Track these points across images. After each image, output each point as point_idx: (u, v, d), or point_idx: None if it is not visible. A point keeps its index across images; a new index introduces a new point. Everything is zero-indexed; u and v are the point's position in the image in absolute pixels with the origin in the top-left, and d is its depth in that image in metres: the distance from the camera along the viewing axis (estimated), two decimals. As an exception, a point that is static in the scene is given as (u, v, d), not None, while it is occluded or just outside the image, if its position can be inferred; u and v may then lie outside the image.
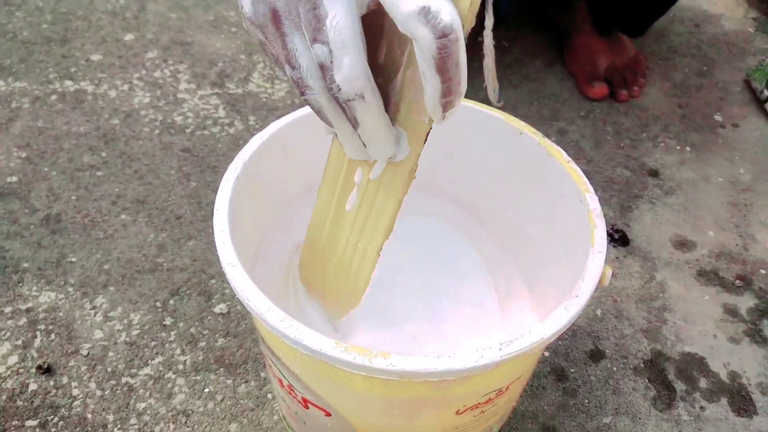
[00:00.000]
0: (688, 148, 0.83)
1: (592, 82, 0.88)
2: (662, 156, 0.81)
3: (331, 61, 0.29)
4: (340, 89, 0.29)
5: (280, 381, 0.43)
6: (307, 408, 0.43)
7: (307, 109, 0.47)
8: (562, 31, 0.96)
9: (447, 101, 0.29)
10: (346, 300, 0.44)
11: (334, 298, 0.45)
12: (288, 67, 0.31)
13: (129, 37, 0.92)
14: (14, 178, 0.72)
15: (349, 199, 0.39)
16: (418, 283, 0.55)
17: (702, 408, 0.57)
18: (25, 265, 0.64)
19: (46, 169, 0.73)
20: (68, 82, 0.84)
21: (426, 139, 0.33)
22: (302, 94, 0.31)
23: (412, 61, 0.31)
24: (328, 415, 0.41)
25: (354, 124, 0.31)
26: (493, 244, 0.55)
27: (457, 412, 0.40)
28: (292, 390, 0.42)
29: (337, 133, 0.33)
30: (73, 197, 0.70)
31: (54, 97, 0.82)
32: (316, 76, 0.30)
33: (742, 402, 0.57)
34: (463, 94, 0.29)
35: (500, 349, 0.34)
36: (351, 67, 0.28)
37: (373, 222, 0.38)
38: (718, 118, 0.88)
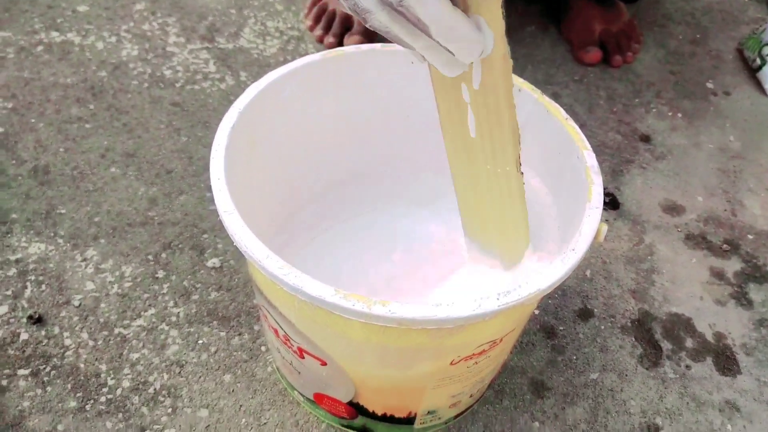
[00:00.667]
0: (679, 115, 0.83)
1: (586, 47, 0.88)
2: (654, 122, 0.82)
3: None
4: None
5: (276, 331, 0.44)
6: (303, 358, 0.43)
7: (303, 60, 0.47)
8: (558, -6, 0.95)
9: None
10: (516, 241, 0.43)
11: (506, 244, 0.45)
12: (343, 1, 0.30)
13: (117, -12, 0.90)
14: (0, 129, 0.70)
15: (469, 124, 0.38)
16: (418, 238, 0.55)
17: (687, 367, 0.58)
18: (14, 216, 0.63)
19: (33, 121, 0.72)
20: (54, 33, 0.82)
21: (504, 15, 0.32)
22: (366, 22, 0.30)
23: None
24: (324, 364, 0.42)
25: (423, 28, 0.30)
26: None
27: (452, 363, 0.40)
28: (288, 340, 0.43)
29: (423, 54, 0.32)
30: (61, 149, 0.69)
31: (40, 47, 0.80)
32: None
33: (726, 362, 0.59)
34: None
35: (498, 299, 0.34)
36: None
37: (498, 134, 0.37)
38: (710, 85, 0.88)
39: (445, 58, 0.33)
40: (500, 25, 0.32)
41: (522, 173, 0.39)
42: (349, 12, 0.31)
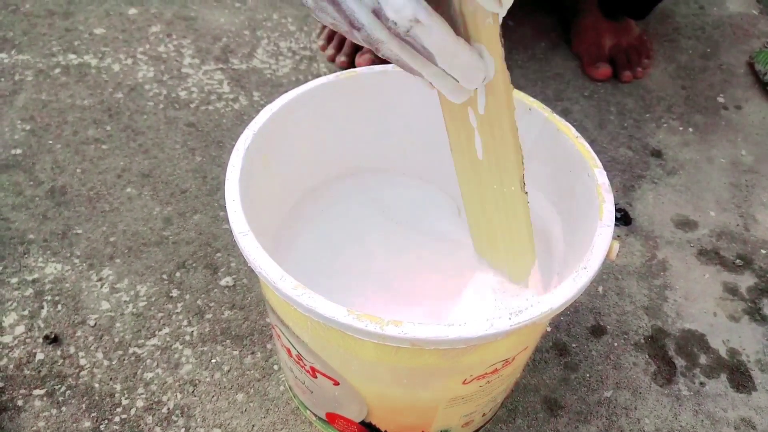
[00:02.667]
0: (691, 129, 0.83)
1: (596, 62, 0.88)
2: (665, 137, 0.82)
3: (378, 2, 0.29)
4: (396, 24, 0.30)
5: (289, 351, 0.44)
6: (315, 377, 0.43)
7: (316, 82, 0.48)
8: (567, 12, 0.96)
9: None
10: (523, 257, 0.45)
11: (513, 260, 0.46)
12: (356, 33, 0.32)
13: (133, 11, 0.91)
14: (18, 151, 0.72)
15: (477, 147, 0.40)
16: (425, 258, 0.55)
17: (702, 384, 0.58)
18: (31, 236, 0.64)
19: (50, 142, 0.73)
20: (72, 56, 0.84)
21: (502, 42, 0.34)
22: (378, 52, 0.32)
23: None
24: (337, 384, 0.42)
25: (429, 56, 0.31)
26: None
27: (464, 382, 0.40)
28: (301, 359, 0.43)
29: (430, 80, 0.33)
30: (78, 170, 0.70)
31: (57, 70, 0.82)
32: (378, 26, 0.30)
33: (741, 378, 0.58)
34: None
35: (510, 319, 0.34)
36: None
37: (504, 155, 0.39)
38: (721, 99, 0.88)
39: (451, 85, 0.34)
40: (500, 52, 0.34)
41: (526, 192, 0.40)
42: (362, 43, 0.32)
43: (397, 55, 0.31)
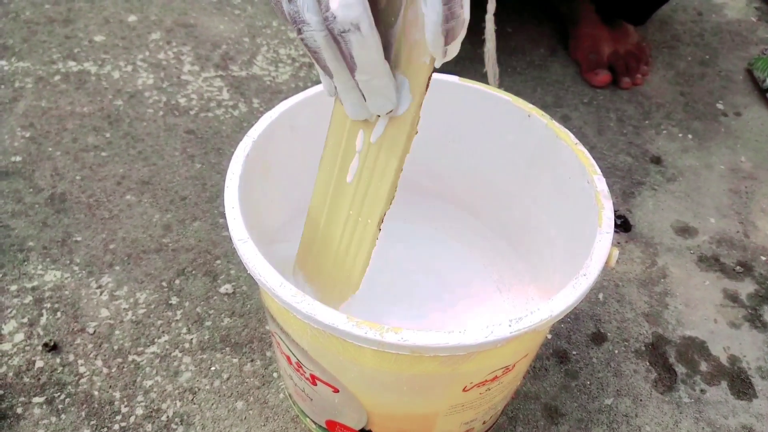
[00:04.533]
0: (690, 136, 0.83)
1: (595, 69, 0.89)
2: (665, 143, 0.82)
3: None
4: (335, 18, 0.28)
5: (288, 358, 0.44)
6: (315, 385, 0.43)
7: (315, 89, 0.48)
8: (566, 18, 0.96)
9: (449, 28, 0.28)
10: (346, 284, 0.42)
11: (333, 284, 0.44)
12: (285, 3, 0.30)
13: (132, 18, 0.92)
14: (18, 158, 0.72)
15: (350, 169, 0.38)
16: (425, 265, 0.55)
17: (702, 391, 0.58)
18: (30, 243, 0.64)
19: (50, 149, 0.73)
20: (71, 63, 0.84)
21: (428, 87, 0.32)
22: (299, 33, 0.30)
23: (412, 1, 0.30)
24: (336, 391, 0.42)
25: (351, 64, 0.30)
26: (500, 227, 0.55)
27: (464, 389, 0.40)
28: (300, 367, 0.43)
29: (335, 83, 0.32)
30: (78, 177, 0.70)
31: (57, 77, 0.82)
32: (313, 10, 0.29)
33: (742, 385, 0.58)
34: (467, 23, 0.28)
35: (510, 326, 0.34)
36: None
37: (375, 189, 0.37)
38: (720, 106, 0.88)
39: (355, 100, 0.33)
40: (421, 92, 0.32)
41: (380, 230, 0.38)
42: (287, 15, 0.30)
43: (317, 45, 0.30)
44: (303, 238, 0.45)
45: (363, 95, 0.32)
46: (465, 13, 0.28)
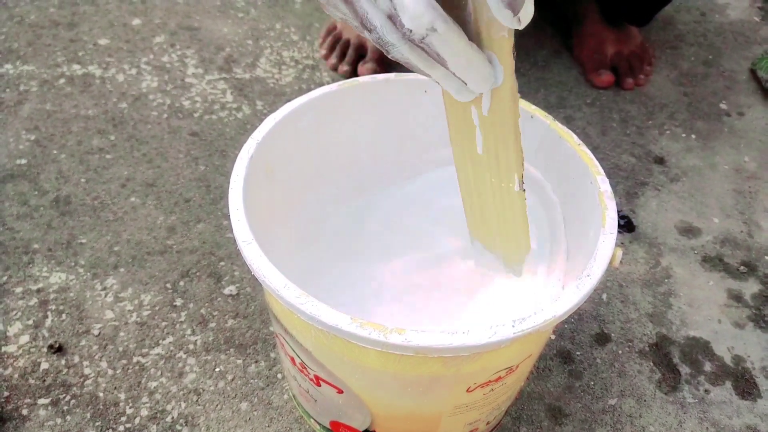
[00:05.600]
0: (693, 136, 0.83)
1: (598, 70, 0.89)
2: (668, 143, 0.82)
3: (395, 9, 0.29)
4: (412, 31, 0.30)
5: (292, 359, 0.44)
6: (319, 386, 0.43)
7: (318, 92, 0.48)
8: (569, 19, 0.96)
9: (511, 0, 0.29)
10: (517, 246, 0.45)
11: (508, 247, 0.46)
12: (368, 33, 0.31)
13: (136, 21, 0.92)
14: (23, 161, 0.72)
15: (477, 142, 0.40)
16: (430, 266, 0.55)
17: (706, 391, 0.58)
18: (36, 246, 0.64)
19: (55, 152, 0.73)
20: (76, 66, 0.84)
21: (514, 55, 0.34)
22: (388, 54, 0.32)
23: None
24: (341, 392, 0.42)
25: (441, 61, 0.32)
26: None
27: (468, 390, 0.40)
28: (305, 368, 0.43)
29: (437, 81, 0.34)
30: (83, 179, 0.71)
31: (62, 80, 0.82)
32: (391, 30, 0.30)
33: (746, 385, 0.58)
34: None
35: (513, 326, 0.34)
36: (413, 4, 0.29)
37: (504, 154, 0.39)
38: (723, 106, 0.88)
39: (457, 86, 0.34)
40: (510, 62, 0.34)
41: (524, 190, 0.41)
42: (374, 44, 0.32)
43: (407, 57, 0.32)
44: (465, 210, 0.47)
45: (463, 81, 0.34)
46: None
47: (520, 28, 0.31)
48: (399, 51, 0.31)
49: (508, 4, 0.29)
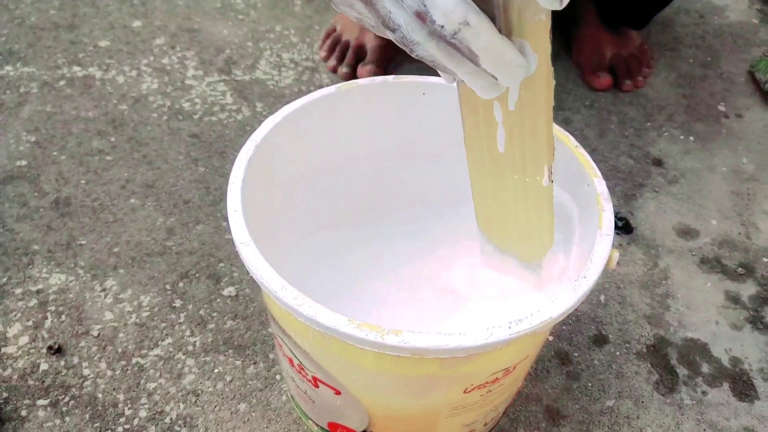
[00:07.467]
0: (691, 138, 0.83)
1: (597, 72, 0.89)
2: (666, 145, 0.82)
3: (425, 5, 0.28)
4: (443, 27, 0.29)
5: (291, 360, 0.44)
6: (317, 387, 0.43)
7: (318, 93, 0.48)
8: (568, 22, 0.96)
9: None
10: (540, 241, 0.44)
11: (528, 244, 0.45)
12: (390, 33, 0.31)
13: (137, 23, 0.92)
14: (23, 162, 0.72)
15: (498, 140, 0.38)
16: (429, 269, 0.55)
17: (704, 392, 0.58)
18: (35, 247, 0.64)
19: (55, 153, 0.74)
20: (76, 68, 0.84)
21: (550, 38, 0.32)
22: (412, 53, 0.31)
23: None
24: (338, 393, 0.42)
25: (472, 57, 0.30)
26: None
27: (465, 391, 0.40)
28: (303, 369, 0.43)
29: (463, 78, 0.32)
30: (83, 181, 0.71)
31: (62, 82, 0.82)
32: (417, 27, 0.29)
33: (743, 387, 0.58)
34: None
35: (509, 328, 0.34)
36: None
37: (531, 147, 0.38)
38: (722, 108, 0.88)
39: (485, 82, 0.33)
40: (546, 48, 0.33)
41: (552, 181, 0.39)
42: (397, 43, 0.31)
43: (432, 55, 0.30)
44: (477, 215, 0.46)
45: (493, 77, 0.32)
46: None
47: (561, 8, 0.29)
48: (424, 49, 0.30)
49: None
